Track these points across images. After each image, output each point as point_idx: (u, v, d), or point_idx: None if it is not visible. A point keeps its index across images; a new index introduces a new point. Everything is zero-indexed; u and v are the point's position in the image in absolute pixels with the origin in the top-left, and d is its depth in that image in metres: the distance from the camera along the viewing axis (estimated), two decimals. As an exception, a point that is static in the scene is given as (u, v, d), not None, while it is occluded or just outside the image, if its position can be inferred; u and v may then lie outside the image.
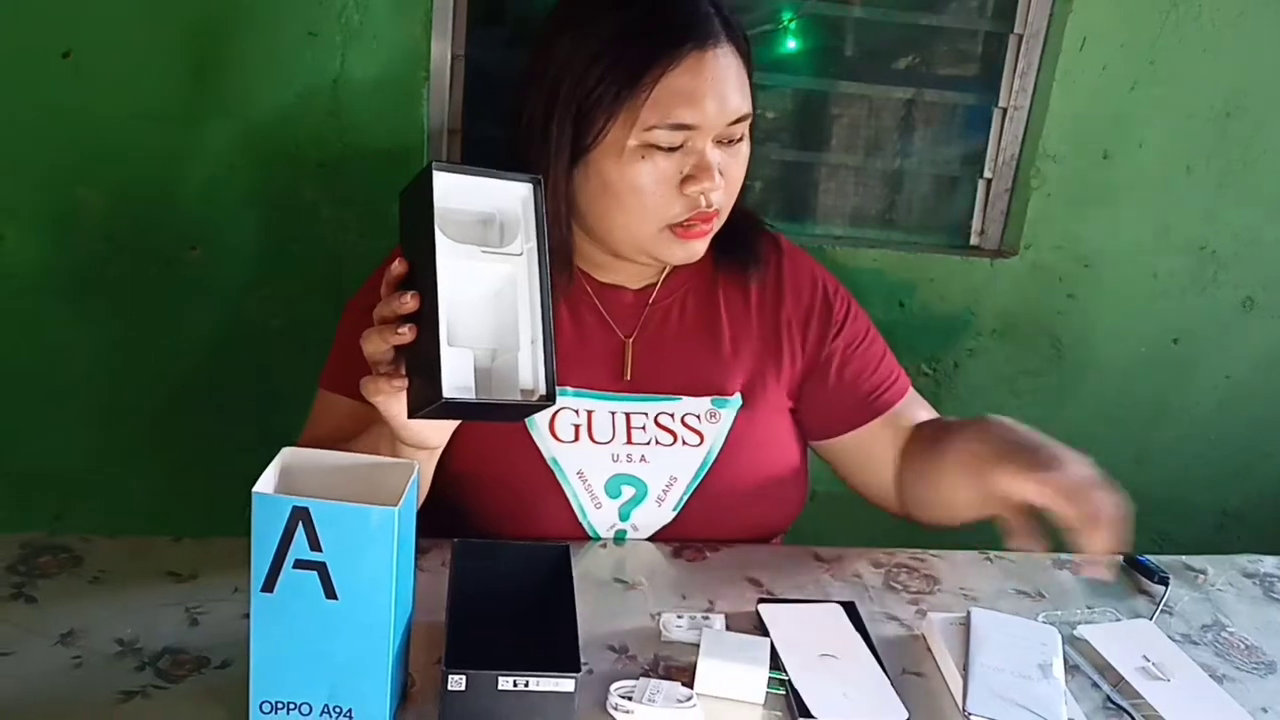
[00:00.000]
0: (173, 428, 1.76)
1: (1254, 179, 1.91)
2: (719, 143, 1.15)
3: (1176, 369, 2.03)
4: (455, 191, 0.92)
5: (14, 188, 1.60)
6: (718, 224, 1.20)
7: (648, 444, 1.22)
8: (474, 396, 0.91)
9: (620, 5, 1.14)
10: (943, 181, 1.99)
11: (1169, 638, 1.11)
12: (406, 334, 0.90)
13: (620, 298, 1.28)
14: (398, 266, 0.92)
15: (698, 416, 1.24)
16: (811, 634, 1.05)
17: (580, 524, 1.21)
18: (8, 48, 1.53)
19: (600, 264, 1.27)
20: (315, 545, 0.80)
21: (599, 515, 1.21)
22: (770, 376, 1.29)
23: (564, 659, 0.89)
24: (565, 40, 1.14)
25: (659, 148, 1.12)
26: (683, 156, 1.13)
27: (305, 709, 0.85)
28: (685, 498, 1.22)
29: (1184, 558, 1.31)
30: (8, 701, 0.88)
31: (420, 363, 0.90)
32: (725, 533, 1.24)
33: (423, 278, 0.89)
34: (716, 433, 1.24)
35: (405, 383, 0.92)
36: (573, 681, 0.87)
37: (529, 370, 0.93)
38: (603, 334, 1.26)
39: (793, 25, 1.81)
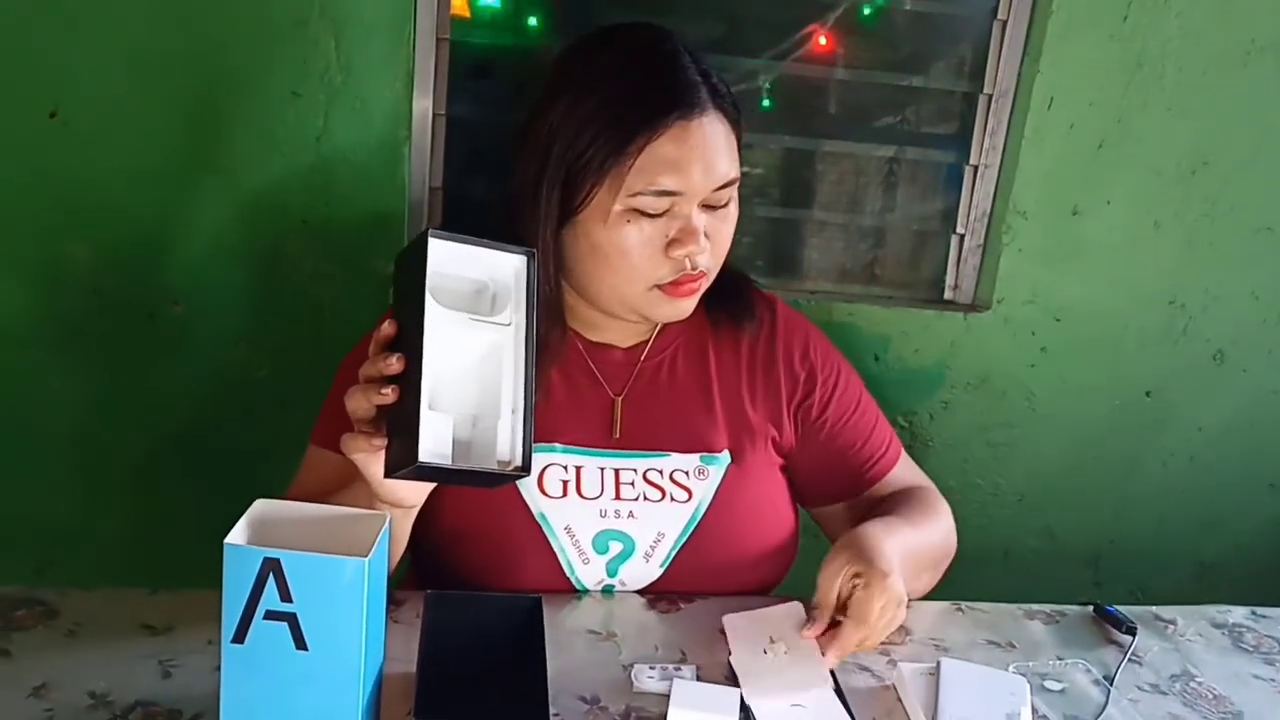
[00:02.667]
0: (156, 480, 1.77)
1: (1221, 234, 1.94)
2: (706, 207, 1.17)
3: (1150, 422, 2.05)
4: (450, 259, 0.94)
5: (0, 242, 1.61)
6: (705, 284, 1.22)
7: (636, 500, 1.24)
8: (449, 462, 0.92)
9: (611, 74, 1.17)
10: (920, 237, 2.02)
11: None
12: (389, 395, 0.92)
13: (610, 356, 1.30)
14: (387, 328, 0.95)
15: (686, 473, 1.26)
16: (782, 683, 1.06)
17: (568, 579, 1.22)
18: (-5, 107, 1.55)
19: (591, 323, 1.29)
20: (286, 596, 0.81)
21: (586, 571, 1.22)
22: (760, 434, 1.30)
23: (533, 709, 0.90)
24: (559, 106, 1.17)
25: (644, 213, 1.15)
26: (668, 220, 1.16)
27: (275, 760, 0.85)
28: (673, 553, 1.23)
29: (1154, 608, 1.32)
30: (-22, 754, 0.88)
31: (400, 424, 0.91)
32: (714, 590, 1.25)
33: (410, 341, 0.91)
34: (705, 489, 1.25)
35: (384, 442, 0.94)
36: (541, 731, 0.88)
37: (507, 440, 0.94)
38: (593, 392, 1.28)
39: (768, 85, 1.85)
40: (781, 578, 1.34)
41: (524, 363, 0.95)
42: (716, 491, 1.25)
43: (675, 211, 1.16)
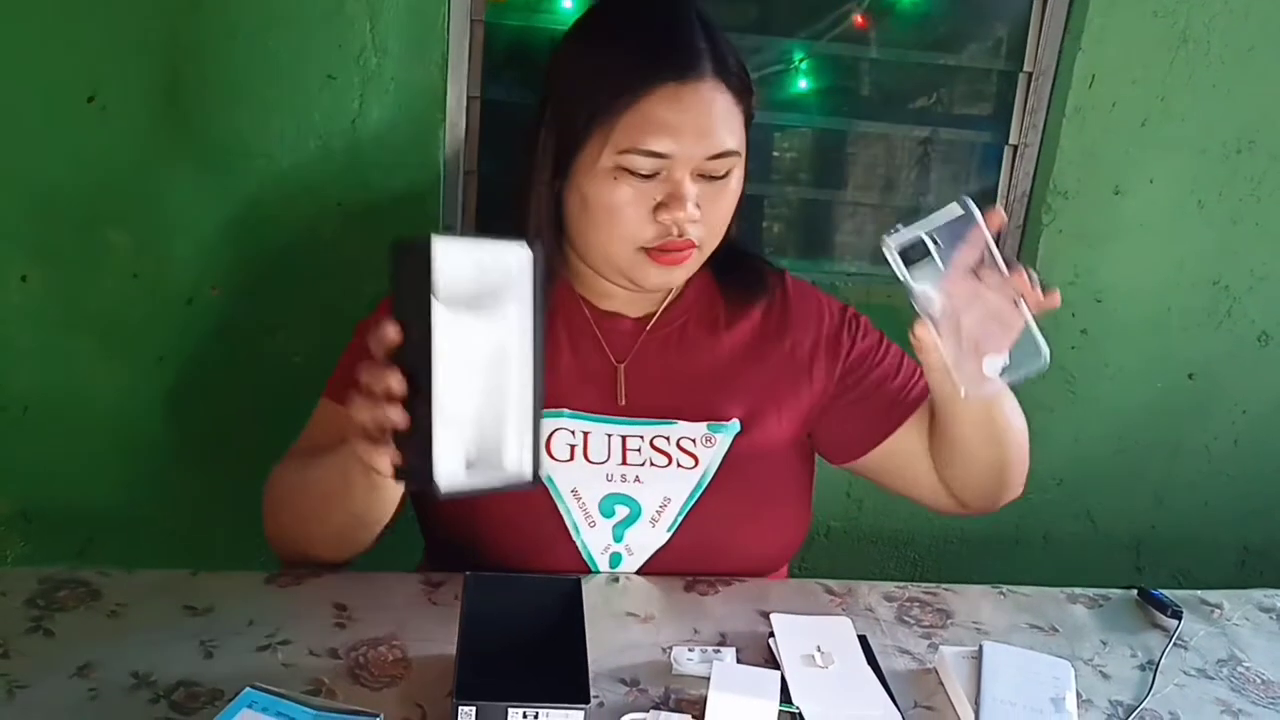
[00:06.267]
0: (195, 464, 1.78)
1: (1266, 214, 1.91)
2: (700, 176, 1.17)
3: (1193, 405, 2.02)
4: (451, 255, 0.88)
5: (40, 229, 1.62)
6: (697, 258, 1.22)
7: (642, 465, 1.23)
8: (465, 483, 0.89)
9: (614, 29, 1.20)
10: (957, 218, 1.99)
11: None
12: (398, 420, 0.88)
13: (618, 325, 1.30)
14: (393, 334, 0.90)
15: (694, 440, 1.25)
16: (822, 665, 1.05)
17: (574, 542, 1.21)
18: (33, 93, 1.56)
19: (601, 291, 1.29)
20: None
21: (593, 535, 1.22)
22: (774, 405, 1.29)
23: (574, 690, 0.90)
24: (563, 57, 1.22)
25: (633, 172, 1.15)
26: (659, 184, 1.15)
27: None
28: (679, 519, 1.23)
29: (1200, 592, 1.30)
30: (24, 733, 0.89)
31: (413, 439, 0.89)
32: (721, 558, 1.24)
33: (418, 351, 0.87)
34: (712, 456, 1.25)
35: (399, 456, 0.91)
36: (582, 713, 0.88)
37: (514, 444, 0.90)
38: (598, 359, 1.28)
39: (804, 65, 1.84)
40: (790, 553, 1.34)
41: (531, 359, 0.91)
42: (724, 459, 1.25)
43: (666, 175, 1.15)
